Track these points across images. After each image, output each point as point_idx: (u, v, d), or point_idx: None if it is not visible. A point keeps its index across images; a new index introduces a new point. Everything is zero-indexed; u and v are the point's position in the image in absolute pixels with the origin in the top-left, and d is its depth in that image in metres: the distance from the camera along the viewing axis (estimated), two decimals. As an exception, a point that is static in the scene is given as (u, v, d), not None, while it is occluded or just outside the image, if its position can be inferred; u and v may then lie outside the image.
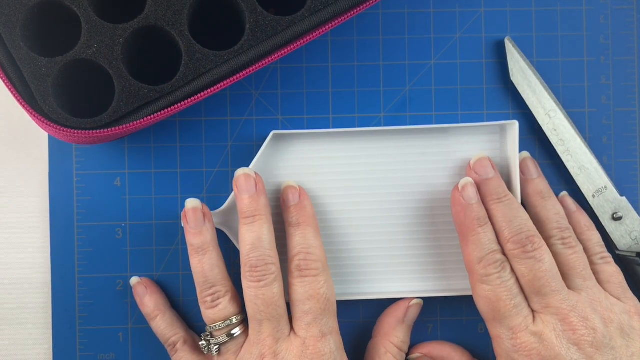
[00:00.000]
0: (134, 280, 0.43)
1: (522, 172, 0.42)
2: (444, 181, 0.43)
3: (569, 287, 0.39)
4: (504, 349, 0.38)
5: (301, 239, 0.40)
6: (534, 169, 0.42)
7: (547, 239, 0.40)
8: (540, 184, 0.42)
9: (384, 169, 0.43)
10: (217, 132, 0.44)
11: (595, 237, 0.42)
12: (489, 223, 0.40)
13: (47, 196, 0.44)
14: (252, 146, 0.44)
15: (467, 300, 0.44)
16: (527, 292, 0.39)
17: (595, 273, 0.41)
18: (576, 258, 0.39)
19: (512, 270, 0.39)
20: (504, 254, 0.39)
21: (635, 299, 0.40)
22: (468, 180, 0.41)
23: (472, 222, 0.40)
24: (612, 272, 0.41)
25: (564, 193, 0.44)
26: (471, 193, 0.40)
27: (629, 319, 0.39)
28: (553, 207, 0.41)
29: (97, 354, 0.44)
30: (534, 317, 0.38)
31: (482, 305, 0.39)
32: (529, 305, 0.39)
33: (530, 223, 0.39)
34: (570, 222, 0.42)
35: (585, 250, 0.41)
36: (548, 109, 0.44)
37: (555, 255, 0.39)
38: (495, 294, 0.38)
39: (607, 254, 0.42)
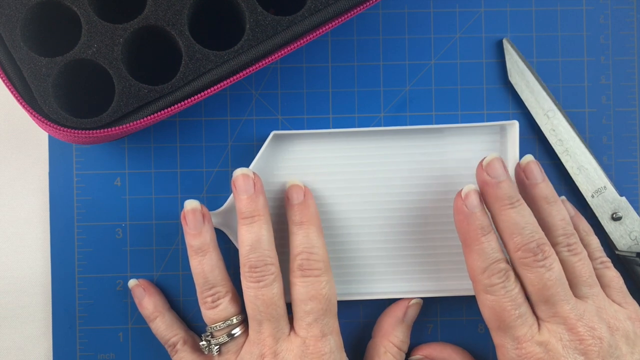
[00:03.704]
0: (132, 282, 0.43)
1: (527, 176, 0.41)
2: (444, 181, 0.43)
3: (575, 295, 0.38)
4: (508, 359, 0.38)
5: (304, 238, 0.40)
6: (538, 173, 0.41)
7: (552, 245, 0.39)
8: (545, 189, 0.40)
9: (383, 169, 0.43)
10: (217, 132, 0.44)
11: (594, 242, 0.42)
12: (493, 231, 0.39)
13: (47, 196, 0.44)
14: (252, 146, 0.44)
15: (467, 300, 0.44)
16: (535, 300, 0.38)
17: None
18: (582, 265, 0.39)
19: (516, 279, 0.38)
20: (507, 263, 0.38)
21: (635, 303, 0.40)
22: (471, 187, 0.40)
23: (476, 230, 0.38)
24: (612, 276, 0.40)
25: (562, 198, 0.44)
26: (474, 201, 0.39)
27: (632, 326, 0.38)
28: (559, 212, 0.40)
29: (97, 354, 0.44)
30: (539, 326, 0.38)
31: (486, 314, 0.39)
32: (535, 314, 0.38)
33: (540, 230, 0.38)
34: None
35: None
36: (546, 110, 0.44)
37: (561, 262, 0.38)
38: (499, 304, 0.37)
39: (607, 259, 0.41)
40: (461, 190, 0.40)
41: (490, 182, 0.39)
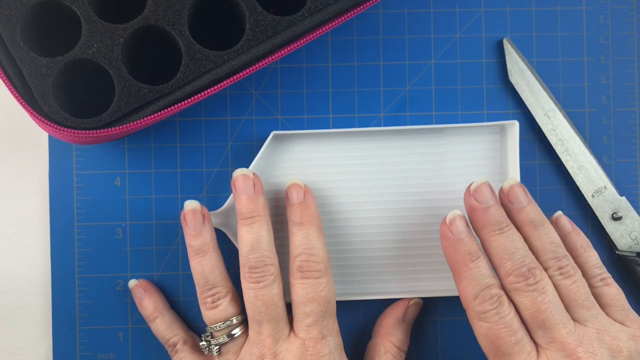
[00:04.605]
0: (132, 282, 0.43)
1: (510, 201, 0.39)
2: (444, 181, 0.43)
3: (573, 319, 0.37)
4: None
5: (304, 239, 0.40)
6: (523, 197, 0.39)
7: (544, 269, 0.38)
8: (531, 212, 0.39)
9: (383, 169, 0.43)
10: (217, 132, 0.44)
11: (592, 259, 0.40)
12: (482, 256, 0.38)
13: (47, 196, 0.44)
14: (252, 146, 0.44)
15: (467, 300, 0.44)
16: (531, 325, 0.37)
17: (595, 296, 0.38)
18: (576, 287, 0.37)
19: (510, 304, 0.37)
20: (500, 289, 0.38)
21: (638, 319, 0.38)
22: (455, 213, 0.39)
23: (464, 257, 0.38)
24: (614, 294, 0.39)
25: (559, 213, 0.42)
26: (460, 227, 0.38)
27: (635, 345, 0.37)
28: (547, 235, 0.38)
29: (97, 354, 0.44)
30: (537, 352, 0.36)
31: (482, 342, 0.38)
32: (533, 340, 0.37)
33: (531, 255, 0.38)
34: (566, 243, 0.40)
35: (584, 272, 0.39)
36: (547, 110, 0.44)
37: (554, 286, 0.37)
38: (494, 331, 0.36)
39: (607, 275, 0.39)
40: (446, 216, 0.39)
41: (478, 207, 0.38)
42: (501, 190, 0.40)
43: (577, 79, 0.45)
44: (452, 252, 0.38)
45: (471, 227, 0.39)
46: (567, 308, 0.37)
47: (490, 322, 0.37)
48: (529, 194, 0.40)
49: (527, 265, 0.37)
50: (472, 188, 0.39)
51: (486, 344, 0.37)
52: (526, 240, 0.39)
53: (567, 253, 0.38)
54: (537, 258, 0.38)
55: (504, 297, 0.37)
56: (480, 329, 0.37)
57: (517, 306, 0.37)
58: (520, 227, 0.39)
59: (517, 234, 0.38)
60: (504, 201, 0.40)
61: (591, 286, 0.39)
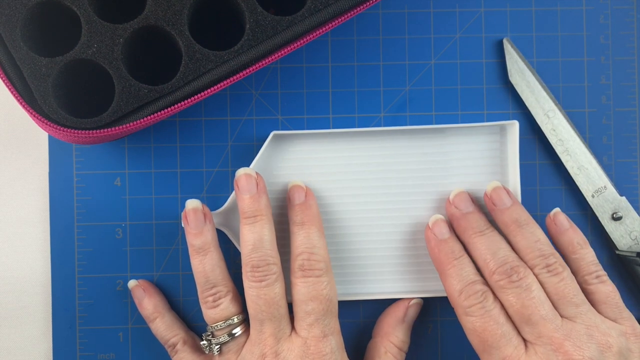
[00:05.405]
0: (131, 283, 0.43)
1: (494, 202, 0.41)
2: (444, 181, 0.43)
3: (562, 316, 0.37)
4: None
5: (305, 239, 0.40)
6: (506, 198, 0.41)
7: (531, 268, 0.38)
8: (515, 212, 0.40)
9: (384, 169, 0.43)
10: (217, 132, 0.44)
11: (589, 255, 0.40)
12: (465, 255, 0.39)
13: (47, 196, 0.44)
14: (252, 146, 0.44)
15: (467, 300, 0.44)
16: (517, 321, 0.37)
17: (590, 293, 0.39)
18: (565, 285, 0.38)
19: (495, 299, 0.38)
20: (485, 285, 0.38)
21: (632, 317, 0.39)
22: (438, 216, 0.41)
23: (447, 256, 0.39)
24: (608, 292, 0.39)
25: (557, 210, 0.42)
26: (442, 229, 0.41)
27: (626, 342, 0.37)
28: (532, 234, 0.39)
29: (97, 354, 0.44)
30: (526, 347, 0.37)
31: (471, 338, 0.38)
32: (520, 336, 0.37)
33: (513, 254, 0.39)
34: (563, 240, 0.40)
35: (579, 269, 0.39)
36: (547, 110, 0.44)
37: (542, 284, 0.38)
38: (480, 324, 0.37)
39: (603, 272, 0.39)
40: (429, 221, 0.41)
41: (457, 214, 0.41)
42: (485, 194, 0.42)
43: (577, 79, 0.45)
44: (437, 253, 0.40)
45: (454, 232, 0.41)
46: (556, 305, 0.38)
47: (476, 315, 0.38)
48: (512, 195, 0.41)
49: (510, 264, 0.38)
50: (451, 197, 0.42)
51: (474, 338, 0.38)
52: (512, 239, 0.40)
53: (555, 251, 0.39)
54: (523, 256, 0.39)
55: (489, 292, 0.38)
56: (468, 323, 0.38)
57: (503, 304, 0.38)
58: (506, 227, 0.40)
59: (498, 235, 0.40)
60: (489, 204, 0.41)
61: (586, 283, 0.39)
